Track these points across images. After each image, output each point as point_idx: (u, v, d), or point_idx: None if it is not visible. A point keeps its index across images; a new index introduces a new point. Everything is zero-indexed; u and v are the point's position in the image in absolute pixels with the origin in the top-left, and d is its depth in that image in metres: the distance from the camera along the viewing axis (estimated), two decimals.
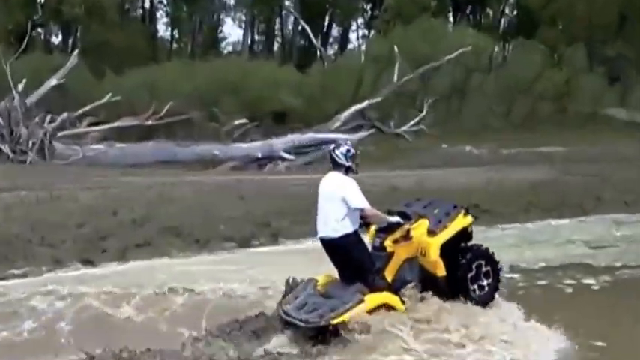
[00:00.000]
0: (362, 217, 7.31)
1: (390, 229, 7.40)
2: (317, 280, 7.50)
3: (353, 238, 7.28)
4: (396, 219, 7.41)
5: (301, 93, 29.25)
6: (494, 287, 7.57)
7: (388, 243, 7.41)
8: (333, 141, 27.45)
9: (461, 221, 7.63)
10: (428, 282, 7.34)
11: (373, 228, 7.50)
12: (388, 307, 7.11)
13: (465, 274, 7.42)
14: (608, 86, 33.77)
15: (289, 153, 23.62)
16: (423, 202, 7.90)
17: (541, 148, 25.63)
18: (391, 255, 7.40)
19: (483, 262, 7.55)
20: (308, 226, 14.36)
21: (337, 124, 26.88)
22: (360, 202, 7.20)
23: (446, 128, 29.11)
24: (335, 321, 6.88)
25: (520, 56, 34.06)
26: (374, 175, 19.40)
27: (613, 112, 32.26)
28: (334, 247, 7.28)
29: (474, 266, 7.47)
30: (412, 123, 28.95)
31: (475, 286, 7.47)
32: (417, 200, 7.97)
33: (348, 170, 7.37)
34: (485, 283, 7.53)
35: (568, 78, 32.93)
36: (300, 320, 7.03)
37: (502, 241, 12.80)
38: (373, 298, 7.09)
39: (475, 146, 26.56)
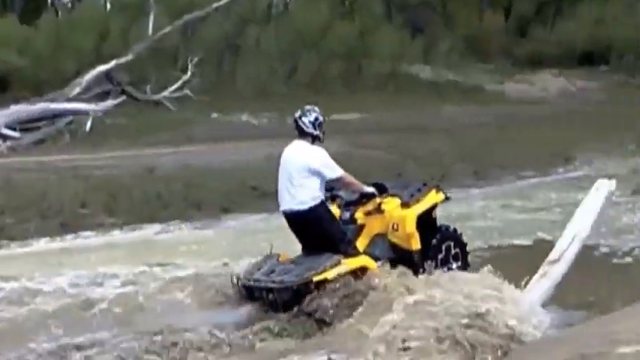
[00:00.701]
0: (330, 190, 8.44)
1: (359, 202, 8.60)
2: (279, 255, 8.48)
3: (322, 209, 8.29)
4: (371, 189, 8.57)
5: (28, 52, 28.10)
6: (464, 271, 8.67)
7: (359, 215, 8.59)
8: (71, 112, 26.47)
9: (434, 197, 8.92)
10: (398, 261, 8.42)
11: (336, 205, 8.60)
12: (364, 271, 8.14)
13: (435, 256, 8.63)
14: (409, 40, 35.13)
15: (14, 129, 22.68)
16: (388, 184, 8.95)
17: (333, 115, 26.15)
18: (362, 228, 8.57)
19: (452, 244, 8.82)
20: (35, 222, 14.01)
21: (77, 90, 26.03)
22: (336, 171, 8.27)
23: (217, 93, 29.06)
24: (316, 278, 7.82)
25: (304, 4, 34.61)
26: (125, 154, 19.05)
27: (416, 70, 33.60)
28: (302, 220, 8.24)
29: (443, 248, 8.74)
30: (174, 87, 28.62)
31: (445, 270, 8.52)
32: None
33: (314, 139, 8.34)
34: (454, 266, 8.74)
35: (362, 30, 33.86)
36: (274, 282, 7.99)
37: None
38: (352, 261, 8.13)
39: (253, 115, 26.74)
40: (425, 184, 9.12)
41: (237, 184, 15.99)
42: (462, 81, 33.21)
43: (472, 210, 15.14)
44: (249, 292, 8.20)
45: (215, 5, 30.03)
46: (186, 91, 28.60)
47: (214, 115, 26.50)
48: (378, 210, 8.57)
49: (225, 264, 9.76)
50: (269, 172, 16.54)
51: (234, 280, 8.30)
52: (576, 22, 40.27)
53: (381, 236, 8.63)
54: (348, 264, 8.06)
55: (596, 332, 7.47)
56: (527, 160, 19.85)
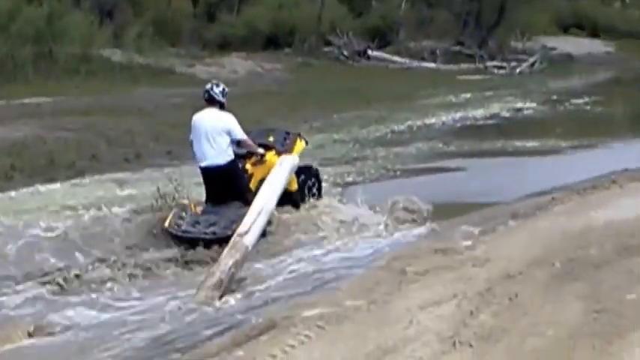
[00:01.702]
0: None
1: (246, 156, 10.62)
2: (191, 205, 10.39)
3: (236, 164, 10.42)
4: (261, 150, 10.68)
5: None
6: (320, 196, 11.65)
7: (248, 166, 10.68)
8: None
9: (300, 145, 11.39)
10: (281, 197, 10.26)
11: None
12: None
13: (303, 189, 11.31)
14: (99, 24, 34.43)
15: None
16: (255, 132, 11.24)
17: (25, 99, 25.22)
18: (251, 176, 10.66)
19: (314, 180, 11.67)
20: None
21: None
22: (243, 134, 10.39)
23: None
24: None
25: None
26: None
27: (107, 54, 32.94)
28: (221, 173, 10.26)
29: (309, 183, 11.50)
30: None
31: (309, 196, 11.39)
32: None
33: (221, 106, 10.40)
34: (315, 193, 11.60)
35: (50, 14, 32.70)
36: (206, 234, 9.81)
37: None
38: None
39: None
40: (288, 133, 11.51)
41: None
42: (153, 64, 32.91)
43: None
44: (178, 240, 9.84)
45: None
46: None
47: None
48: (261, 160, 10.64)
49: None
50: None
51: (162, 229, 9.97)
52: (260, 7, 41.22)
53: (264, 180, 10.34)
54: None
55: (283, 296, 7.70)
56: None
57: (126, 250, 9.85)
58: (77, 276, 9.05)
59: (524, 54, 43.41)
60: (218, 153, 10.20)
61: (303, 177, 11.35)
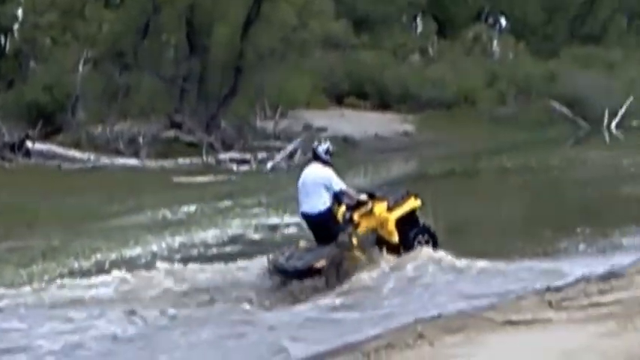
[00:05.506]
0: (337, 196, 18.95)
1: (357, 206, 19.05)
2: (298, 243, 19.37)
3: (328, 214, 18.74)
4: (364, 197, 19.19)
5: None
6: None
7: (355, 216, 19.05)
8: None
9: (412, 202, 19.63)
10: (383, 246, 19.24)
11: (342, 207, 19.10)
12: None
13: (413, 242, 19.38)
14: None
15: None
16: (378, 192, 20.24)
17: None
18: (357, 225, 19.05)
19: (427, 234, 19.71)
20: None
21: None
22: (340, 185, 18.72)
23: None
24: (317, 265, 18.05)
25: None
26: None
27: None
28: (318, 219, 18.66)
29: (419, 237, 19.60)
30: None
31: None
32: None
33: (325, 163, 18.90)
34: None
35: None
36: (289, 266, 18.21)
37: None
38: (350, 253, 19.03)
39: None
40: (408, 192, 19.77)
41: None
42: None
43: None
44: (275, 273, 18.28)
45: None
46: None
47: None
48: (370, 212, 18.93)
49: None
50: None
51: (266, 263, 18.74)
52: None
53: (372, 230, 19.00)
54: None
55: None
56: None
57: None
58: None
59: (277, 139, 44.43)
60: (314, 202, 18.47)
61: (414, 233, 19.31)
